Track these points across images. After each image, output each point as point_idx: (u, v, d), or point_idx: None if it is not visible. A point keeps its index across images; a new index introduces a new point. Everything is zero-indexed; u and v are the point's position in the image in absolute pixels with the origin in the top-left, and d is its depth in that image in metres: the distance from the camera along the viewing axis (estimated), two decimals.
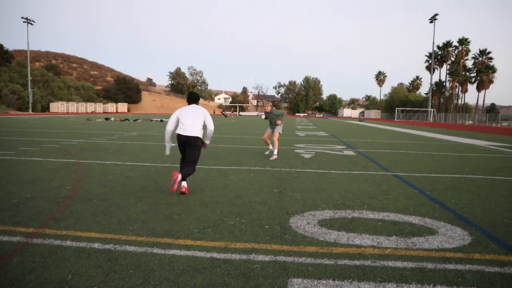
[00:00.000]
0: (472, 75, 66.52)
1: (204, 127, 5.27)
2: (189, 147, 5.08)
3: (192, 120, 5.13)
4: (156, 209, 4.31)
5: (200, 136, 5.18)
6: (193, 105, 5.33)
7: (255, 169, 7.45)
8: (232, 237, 3.43)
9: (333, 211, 4.39)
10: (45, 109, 65.20)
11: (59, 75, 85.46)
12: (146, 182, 5.92)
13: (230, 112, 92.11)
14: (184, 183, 5.06)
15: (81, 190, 5.21)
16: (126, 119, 34.98)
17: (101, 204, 4.47)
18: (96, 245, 3.16)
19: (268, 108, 9.47)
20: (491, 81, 62.71)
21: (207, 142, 5.41)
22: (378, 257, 3.04)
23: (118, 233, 3.47)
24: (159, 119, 36.02)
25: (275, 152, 8.98)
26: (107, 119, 35.46)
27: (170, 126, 5.24)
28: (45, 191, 5.11)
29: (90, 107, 74.64)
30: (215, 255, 3.02)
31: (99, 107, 77.42)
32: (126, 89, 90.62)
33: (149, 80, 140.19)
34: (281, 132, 9.45)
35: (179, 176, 4.78)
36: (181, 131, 5.10)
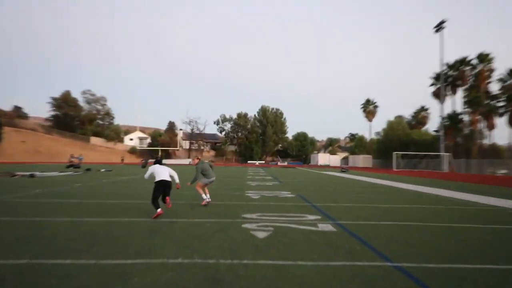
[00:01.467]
0: (500, 104, 69.33)
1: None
2: (166, 188, 12.19)
3: (165, 173, 12.29)
4: None
5: (170, 180, 12.39)
6: (162, 165, 12.64)
7: (176, 262, 7.02)
8: None
9: None
10: None
11: None
12: None
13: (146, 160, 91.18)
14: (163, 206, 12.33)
15: None
16: None
17: None
18: None
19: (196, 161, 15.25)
20: None
21: (177, 181, 12.86)
22: None
23: None
24: (28, 173, 33.47)
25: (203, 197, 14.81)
26: None
27: (146, 177, 12.50)
28: None
29: None
30: None
31: None
32: None
33: (17, 109, 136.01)
34: (199, 182, 15.02)
35: (161, 211, 11.82)
36: (159, 178, 12.11)
